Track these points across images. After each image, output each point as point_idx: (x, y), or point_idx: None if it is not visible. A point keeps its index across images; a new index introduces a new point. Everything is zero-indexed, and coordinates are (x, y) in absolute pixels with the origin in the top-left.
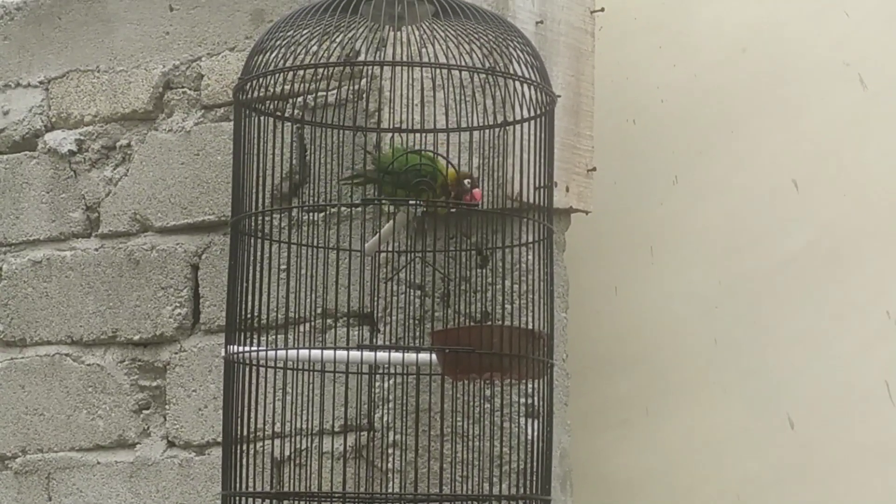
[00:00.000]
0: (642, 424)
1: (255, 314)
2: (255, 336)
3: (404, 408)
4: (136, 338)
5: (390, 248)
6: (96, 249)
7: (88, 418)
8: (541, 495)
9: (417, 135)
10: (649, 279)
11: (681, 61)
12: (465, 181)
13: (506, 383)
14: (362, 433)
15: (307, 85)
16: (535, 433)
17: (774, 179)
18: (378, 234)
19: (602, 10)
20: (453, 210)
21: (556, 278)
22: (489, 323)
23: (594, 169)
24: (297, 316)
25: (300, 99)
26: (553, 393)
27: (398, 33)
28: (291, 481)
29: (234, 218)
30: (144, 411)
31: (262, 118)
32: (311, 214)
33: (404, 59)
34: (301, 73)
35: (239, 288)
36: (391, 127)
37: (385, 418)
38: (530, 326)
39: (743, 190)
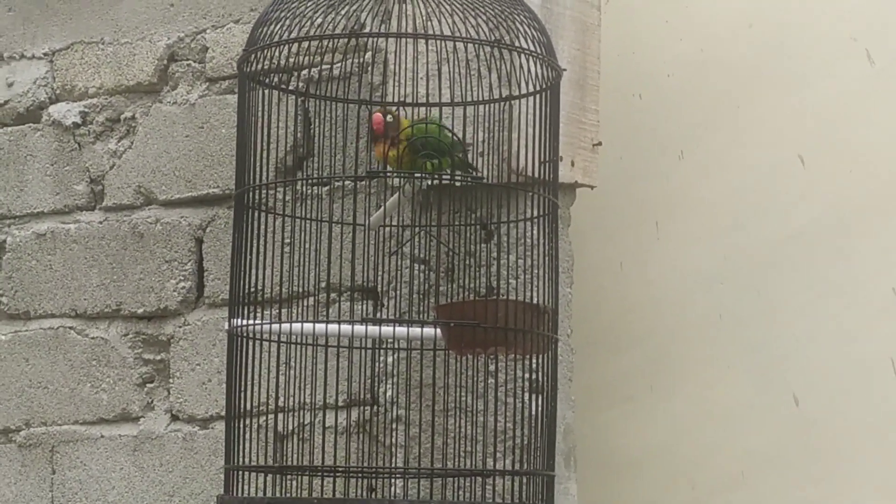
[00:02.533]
0: (647, 400)
1: (259, 288)
2: (259, 310)
3: (408, 382)
4: (140, 311)
5: (395, 223)
6: (100, 222)
7: (92, 392)
8: (544, 471)
9: (422, 108)
10: (654, 254)
11: (687, 36)
12: (388, 116)
13: (510, 358)
14: (365, 408)
15: (312, 57)
16: (539, 409)
17: (780, 154)
18: (383, 208)
19: None
20: (457, 182)
21: (560, 253)
22: (494, 297)
23: (600, 143)
24: (301, 290)
25: (305, 71)
26: (557, 368)
27: (403, 5)
28: (294, 455)
29: (237, 191)
30: (148, 385)
31: (266, 91)
32: (315, 188)
33: (409, 31)
34: (306, 45)
35: (242, 261)
36: (396, 100)
37: (388, 393)
38: (535, 301)
39: (749, 165)
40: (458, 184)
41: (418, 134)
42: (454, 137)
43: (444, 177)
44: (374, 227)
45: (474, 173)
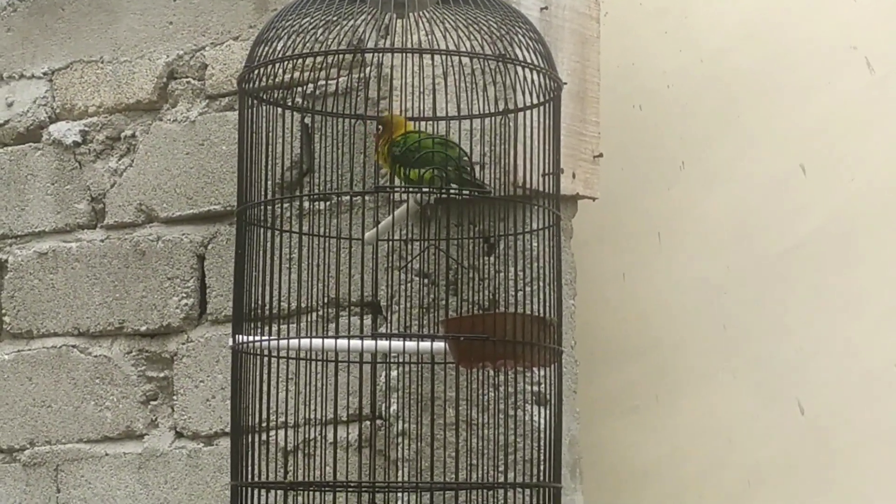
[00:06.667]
0: (652, 411)
1: (263, 304)
2: (263, 326)
3: (412, 397)
4: (143, 329)
5: (397, 237)
6: (102, 241)
7: (96, 410)
8: (550, 483)
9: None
10: (657, 265)
11: (687, 47)
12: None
13: (516, 371)
14: (370, 422)
15: (312, 73)
16: (545, 421)
17: (782, 164)
18: (384, 221)
19: None
20: (462, 195)
21: (563, 265)
22: (500, 310)
23: (601, 155)
24: (305, 305)
25: (306, 87)
26: (562, 380)
27: (403, 20)
28: (301, 471)
29: (239, 208)
30: (152, 402)
31: (266, 107)
32: (317, 203)
33: (411, 46)
34: (306, 61)
35: (245, 278)
36: (398, 115)
37: (393, 407)
38: (539, 314)
39: (750, 175)
40: (461, 197)
41: (409, 141)
42: (461, 152)
43: (449, 190)
44: (370, 241)
45: (476, 188)
